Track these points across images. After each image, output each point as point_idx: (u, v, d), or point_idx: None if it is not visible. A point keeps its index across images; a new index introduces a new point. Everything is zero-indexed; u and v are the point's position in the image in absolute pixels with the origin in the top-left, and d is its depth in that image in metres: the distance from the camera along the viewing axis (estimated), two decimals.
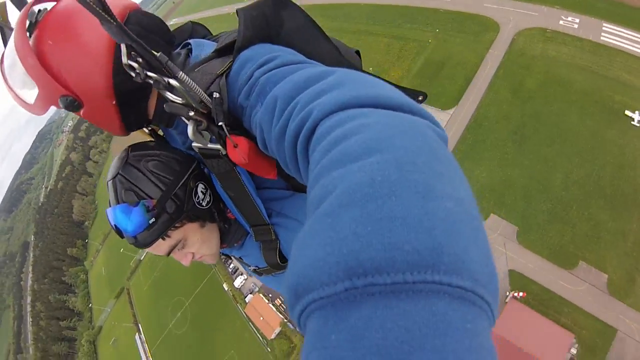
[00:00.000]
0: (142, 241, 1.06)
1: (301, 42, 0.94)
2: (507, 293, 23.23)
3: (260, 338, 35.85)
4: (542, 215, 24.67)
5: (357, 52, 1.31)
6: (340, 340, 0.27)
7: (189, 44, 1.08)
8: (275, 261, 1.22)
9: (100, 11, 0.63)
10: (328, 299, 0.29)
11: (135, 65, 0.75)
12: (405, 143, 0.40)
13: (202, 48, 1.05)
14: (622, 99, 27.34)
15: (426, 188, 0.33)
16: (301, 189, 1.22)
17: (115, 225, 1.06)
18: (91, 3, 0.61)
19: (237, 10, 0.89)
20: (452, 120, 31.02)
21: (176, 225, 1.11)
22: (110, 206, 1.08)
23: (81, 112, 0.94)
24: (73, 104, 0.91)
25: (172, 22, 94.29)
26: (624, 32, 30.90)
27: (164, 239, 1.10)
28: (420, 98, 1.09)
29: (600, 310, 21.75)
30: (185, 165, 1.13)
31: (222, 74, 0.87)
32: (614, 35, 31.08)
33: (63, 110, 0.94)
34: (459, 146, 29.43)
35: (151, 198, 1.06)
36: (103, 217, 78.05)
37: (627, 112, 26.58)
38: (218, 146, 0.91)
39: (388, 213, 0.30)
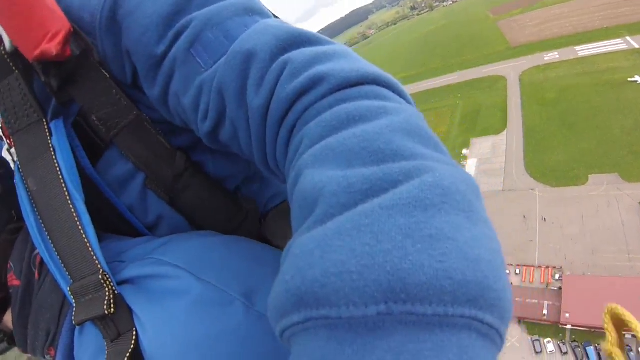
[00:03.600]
0: None
1: None
2: None
3: None
4: (627, 157, 32.28)
5: None
6: None
7: None
8: None
9: None
10: (348, 320, 0.24)
11: None
12: (436, 143, 0.36)
13: None
14: (620, 76, 39.96)
15: (469, 206, 0.29)
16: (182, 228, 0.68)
17: None
18: None
19: None
20: (509, 137, 40.51)
21: None
22: None
23: None
24: None
25: None
26: (593, 46, 46.35)
27: None
28: None
29: None
30: None
31: None
32: (586, 49, 46.84)
33: None
34: (526, 151, 38.07)
35: None
36: None
37: (629, 79, 38.89)
38: None
39: (438, 230, 0.26)
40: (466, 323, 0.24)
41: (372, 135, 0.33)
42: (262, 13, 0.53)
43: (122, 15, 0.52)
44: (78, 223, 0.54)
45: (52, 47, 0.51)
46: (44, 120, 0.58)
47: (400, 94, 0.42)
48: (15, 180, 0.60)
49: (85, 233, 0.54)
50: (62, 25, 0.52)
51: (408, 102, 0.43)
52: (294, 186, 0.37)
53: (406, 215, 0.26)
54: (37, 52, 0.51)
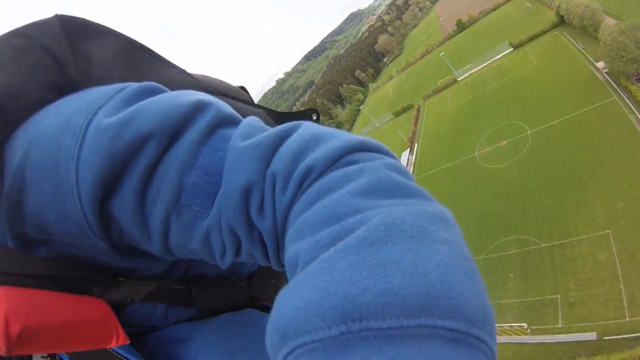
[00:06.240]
0: None
1: (127, 71, 0.61)
2: None
3: None
4: None
5: (242, 88, 0.94)
6: None
7: None
8: None
9: None
10: (321, 343, 0.29)
11: None
12: (397, 190, 0.40)
13: None
14: None
15: (420, 232, 0.33)
16: (211, 308, 0.78)
17: None
18: None
19: None
20: None
21: None
22: None
23: None
24: None
25: None
26: None
27: None
28: (314, 117, 0.91)
29: None
30: None
31: None
32: None
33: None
34: None
35: None
36: (406, 55, 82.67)
37: None
38: None
39: (384, 258, 0.31)
40: (428, 332, 0.27)
41: (335, 203, 0.39)
42: (218, 119, 0.51)
43: (107, 209, 0.48)
44: None
45: (126, 338, 0.56)
46: None
47: (374, 150, 0.47)
48: None
49: None
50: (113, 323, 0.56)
51: (385, 154, 0.48)
52: (284, 259, 0.43)
53: (354, 254, 0.32)
54: (117, 341, 0.55)
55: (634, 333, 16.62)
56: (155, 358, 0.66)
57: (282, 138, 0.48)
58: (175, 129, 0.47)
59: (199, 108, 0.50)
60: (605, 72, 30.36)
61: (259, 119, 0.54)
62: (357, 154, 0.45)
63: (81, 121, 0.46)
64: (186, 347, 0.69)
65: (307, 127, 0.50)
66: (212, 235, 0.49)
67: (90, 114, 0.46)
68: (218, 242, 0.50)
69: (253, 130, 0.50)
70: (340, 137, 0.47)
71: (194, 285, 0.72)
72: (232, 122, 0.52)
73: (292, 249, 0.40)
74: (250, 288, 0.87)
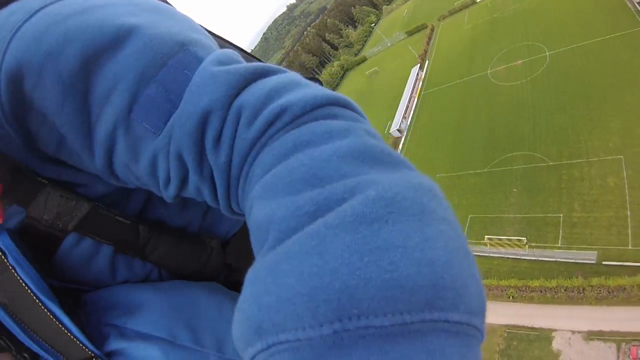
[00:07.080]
0: None
1: None
2: None
3: None
4: None
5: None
6: None
7: None
8: None
9: None
10: (308, 342, 0.25)
11: None
12: (384, 158, 0.36)
13: None
14: None
15: (421, 209, 0.30)
16: (183, 271, 0.70)
17: None
18: None
19: None
20: None
21: None
22: None
23: None
24: None
25: None
26: None
27: None
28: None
29: None
30: None
31: None
32: None
33: None
34: None
35: None
36: None
37: None
38: None
39: (386, 240, 0.27)
40: (431, 326, 0.24)
41: (318, 162, 0.34)
42: (195, 38, 0.47)
43: (26, 92, 0.42)
44: (60, 325, 0.52)
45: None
46: None
47: (355, 110, 0.43)
48: None
49: (70, 332, 0.52)
50: None
51: (362, 116, 0.44)
52: (249, 217, 0.38)
53: (352, 232, 0.27)
54: None
55: (636, 262, 16.45)
56: (87, 327, 0.55)
57: (260, 74, 0.44)
58: (115, 40, 0.42)
59: (131, 29, 0.43)
60: (638, 3, 27.91)
61: (239, 55, 0.49)
62: (338, 108, 0.41)
63: (37, 5, 0.43)
64: (121, 311, 0.59)
65: (288, 72, 0.47)
66: (159, 159, 0.44)
67: (49, 2, 0.43)
68: (163, 168, 0.44)
69: (230, 59, 0.45)
70: (322, 89, 0.43)
71: (144, 224, 0.62)
72: (206, 47, 0.47)
73: (263, 209, 0.35)
74: (225, 253, 0.76)
